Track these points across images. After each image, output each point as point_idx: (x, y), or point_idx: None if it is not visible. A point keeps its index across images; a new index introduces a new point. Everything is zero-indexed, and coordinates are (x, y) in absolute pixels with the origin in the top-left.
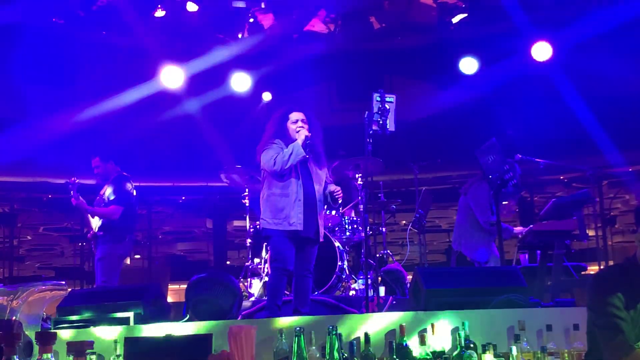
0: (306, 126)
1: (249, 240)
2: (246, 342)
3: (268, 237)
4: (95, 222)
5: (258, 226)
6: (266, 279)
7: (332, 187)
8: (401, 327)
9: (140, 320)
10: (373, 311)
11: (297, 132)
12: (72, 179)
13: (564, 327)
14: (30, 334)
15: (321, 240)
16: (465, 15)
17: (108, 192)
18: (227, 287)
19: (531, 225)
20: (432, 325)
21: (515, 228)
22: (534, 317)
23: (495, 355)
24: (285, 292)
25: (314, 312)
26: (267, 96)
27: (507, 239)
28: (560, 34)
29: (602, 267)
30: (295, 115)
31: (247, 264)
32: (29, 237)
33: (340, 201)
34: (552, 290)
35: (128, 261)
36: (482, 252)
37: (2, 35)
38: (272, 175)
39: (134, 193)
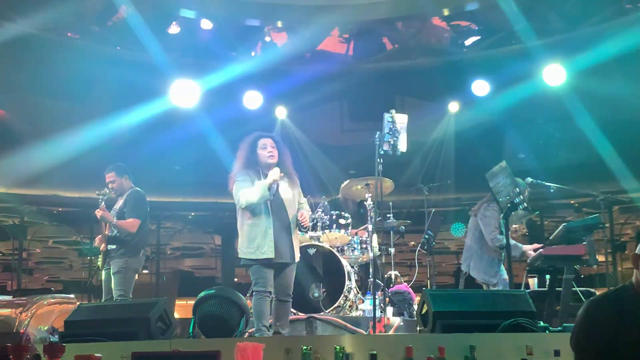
0: (275, 151)
1: None
2: None
3: (246, 266)
4: (107, 236)
5: None
6: None
7: (299, 215)
8: (408, 348)
9: (148, 335)
10: (380, 332)
11: (269, 157)
12: (105, 190)
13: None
14: (38, 346)
15: (297, 260)
16: (478, 37)
17: (125, 206)
18: (235, 304)
19: (541, 250)
20: (439, 348)
21: (524, 246)
22: (542, 342)
23: None
24: None
25: (322, 331)
26: (280, 112)
27: (516, 257)
28: (572, 58)
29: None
30: (263, 141)
31: None
32: (38, 250)
33: (309, 225)
34: (560, 315)
35: (136, 276)
36: (490, 275)
37: (16, 49)
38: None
39: (148, 208)
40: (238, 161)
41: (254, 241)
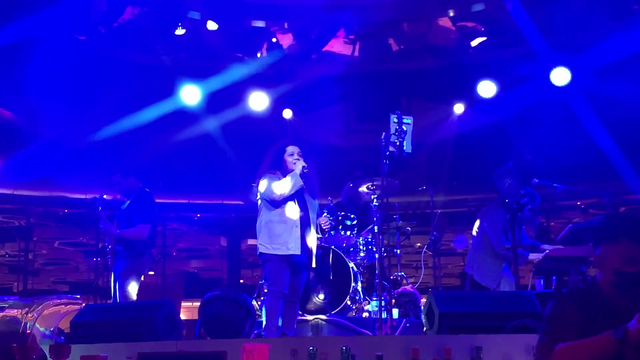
0: (302, 159)
1: None
2: None
3: (266, 261)
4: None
5: None
6: None
7: (322, 220)
8: (414, 350)
9: (154, 336)
10: (386, 333)
11: (294, 163)
12: (102, 195)
13: None
14: (44, 347)
15: (314, 265)
16: (485, 38)
17: (132, 209)
18: (241, 305)
19: (547, 251)
20: (446, 349)
21: (530, 254)
22: None
23: None
24: None
25: (328, 332)
26: (287, 113)
27: (522, 265)
28: (579, 59)
29: None
30: (291, 149)
31: (260, 282)
32: (44, 251)
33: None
34: None
35: (142, 277)
36: (492, 278)
37: (22, 50)
38: (271, 202)
39: (156, 209)
40: (264, 164)
41: (280, 237)
